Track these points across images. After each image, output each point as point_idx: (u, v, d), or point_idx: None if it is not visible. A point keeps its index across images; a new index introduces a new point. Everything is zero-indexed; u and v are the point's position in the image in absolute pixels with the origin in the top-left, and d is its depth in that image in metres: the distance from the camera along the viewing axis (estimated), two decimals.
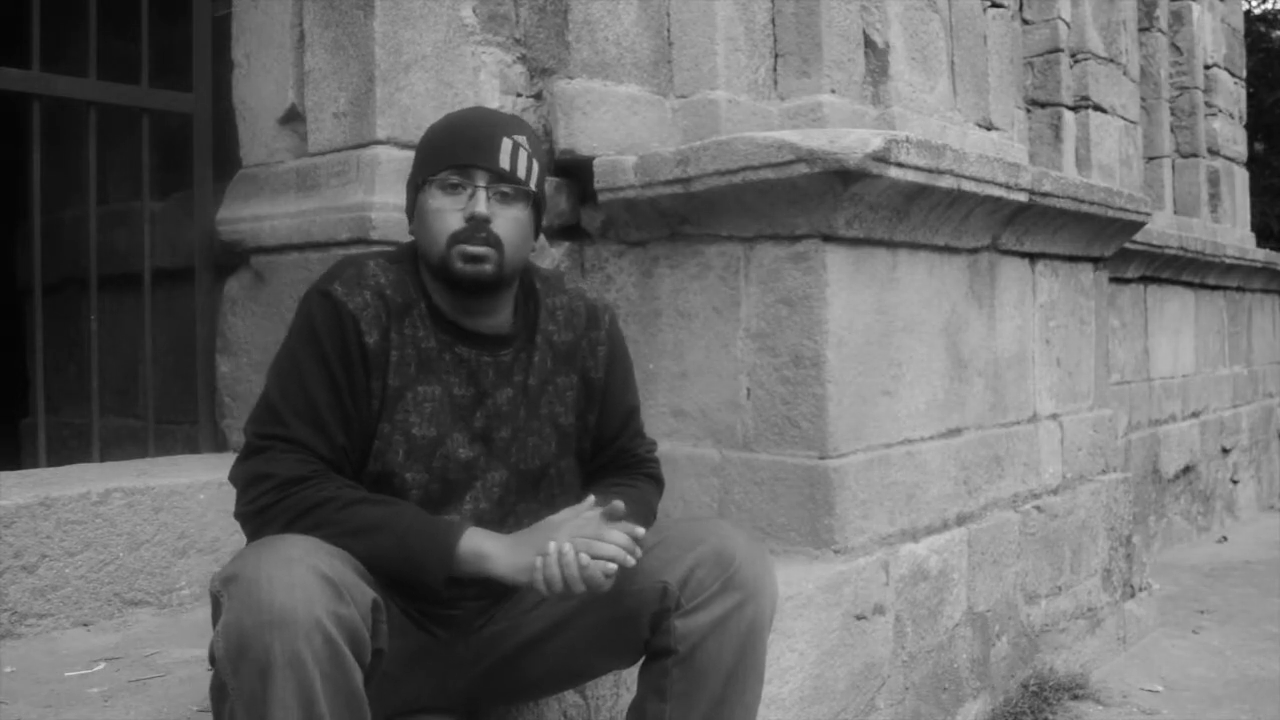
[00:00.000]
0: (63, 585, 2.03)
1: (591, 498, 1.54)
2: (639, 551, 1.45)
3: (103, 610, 2.08)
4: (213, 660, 1.27)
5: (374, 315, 1.52)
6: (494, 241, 1.52)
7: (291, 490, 1.43)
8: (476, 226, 1.51)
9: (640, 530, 1.47)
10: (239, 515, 1.48)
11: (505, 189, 1.54)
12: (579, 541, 1.43)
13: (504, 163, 1.53)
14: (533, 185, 1.57)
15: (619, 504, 1.47)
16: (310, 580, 1.24)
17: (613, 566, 1.42)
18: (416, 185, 1.58)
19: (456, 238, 1.51)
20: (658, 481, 1.78)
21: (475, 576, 1.46)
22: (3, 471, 2.21)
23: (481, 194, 1.52)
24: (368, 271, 1.55)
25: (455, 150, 1.54)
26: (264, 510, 1.43)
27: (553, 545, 1.42)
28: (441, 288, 1.58)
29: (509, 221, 1.54)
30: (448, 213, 1.52)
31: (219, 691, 1.29)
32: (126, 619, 2.10)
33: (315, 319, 1.51)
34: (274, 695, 1.21)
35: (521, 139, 1.56)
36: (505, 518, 1.61)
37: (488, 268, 1.52)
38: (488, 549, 1.45)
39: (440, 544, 1.44)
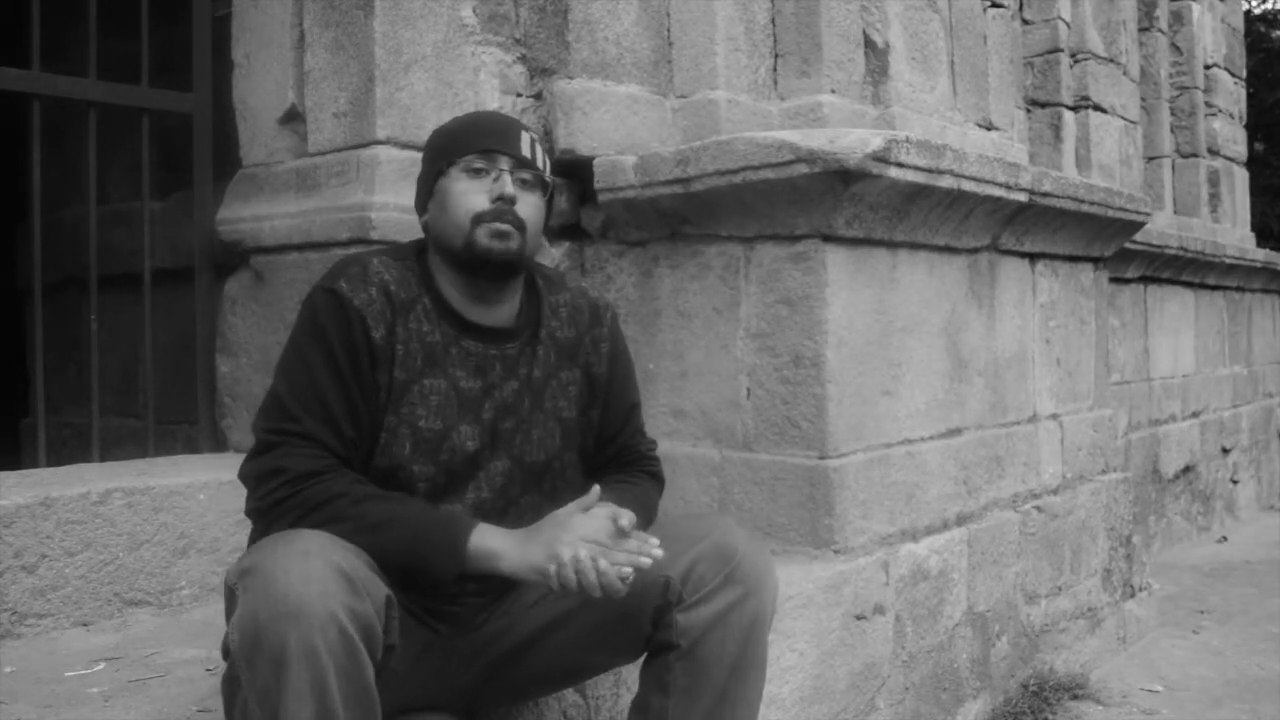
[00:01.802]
0: (63, 585, 2.02)
1: (597, 487, 1.54)
2: (658, 553, 1.45)
3: (103, 610, 2.08)
4: (226, 653, 1.27)
5: (379, 311, 1.53)
6: (518, 223, 1.56)
7: (304, 485, 1.43)
8: (503, 207, 1.56)
9: (654, 540, 1.47)
10: (250, 511, 1.48)
11: (526, 176, 1.60)
12: (593, 548, 1.43)
13: (525, 151, 1.59)
14: (548, 176, 1.65)
15: (628, 517, 1.47)
16: (327, 574, 1.25)
17: (629, 570, 1.42)
18: (436, 173, 1.61)
19: (481, 217, 1.55)
20: (658, 479, 1.79)
21: (484, 574, 1.47)
22: (3, 471, 2.21)
23: (507, 177, 1.57)
24: (372, 268, 1.56)
25: (479, 137, 1.60)
26: (278, 504, 1.43)
27: (568, 553, 1.42)
28: (456, 274, 1.60)
29: (530, 207, 1.60)
30: (472, 194, 1.57)
31: (232, 683, 1.29)
32: (126, 619, 2.10)
33: (321, 315, 1.52)
34: (288, 687, 1.21)
35: (536, 136, 1.64)
36: (507, 508, 1.62)
37: (513, 245, 1.56)
38: (497, 546, 1.46)
39: (450, 542, 1.45)
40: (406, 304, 1.57)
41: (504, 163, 1.57)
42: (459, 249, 1.56)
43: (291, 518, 1.42)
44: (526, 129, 1.63)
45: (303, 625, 1.21)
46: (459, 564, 1.45)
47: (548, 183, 1.64)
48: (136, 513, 2.13)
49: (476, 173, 1.57)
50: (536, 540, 1.46)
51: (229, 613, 1.30)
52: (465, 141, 1.59)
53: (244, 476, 1.49)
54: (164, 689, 1.72)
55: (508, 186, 1.56)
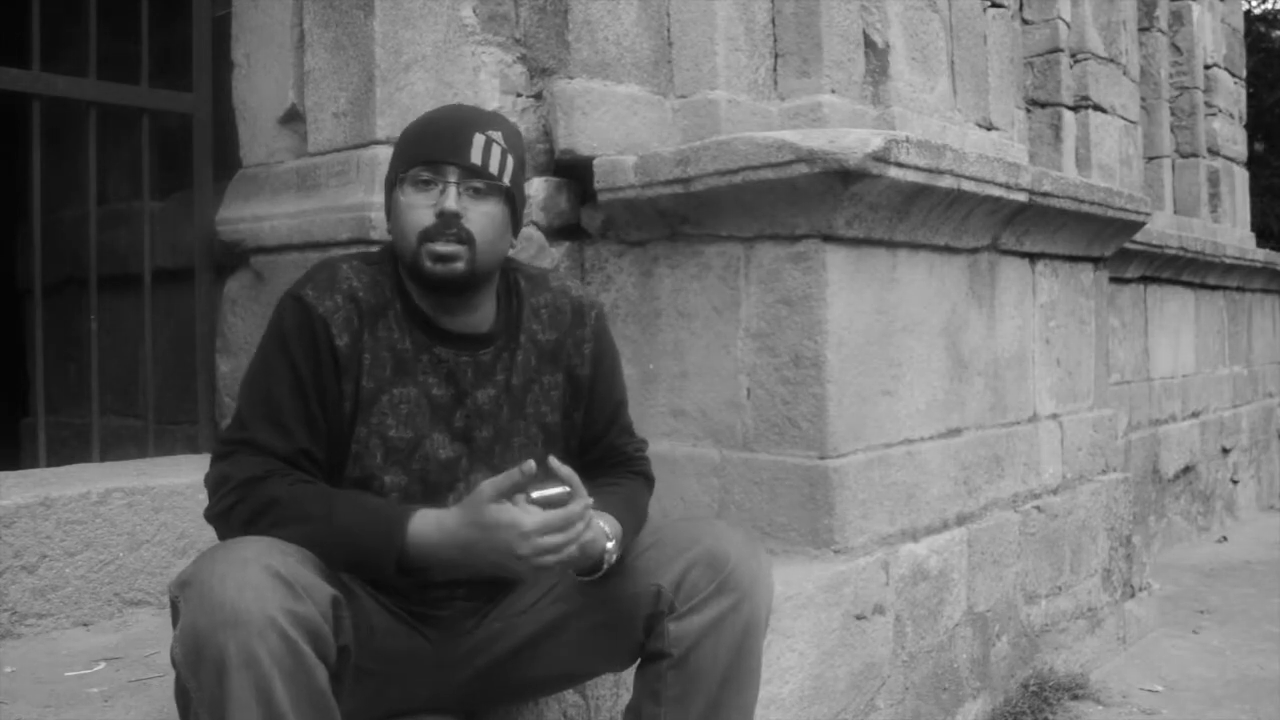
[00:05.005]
0: (63, 585, 2.03)
1: (531, 462, 1.44)
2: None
3: (103, 610, 2.08)
4: (175, 664, 1.27)
5: (345, 318, 1.51)
6: (465, 238, 1.51)
7: (249, 490, 1.43)
8: (446, 223, 1.50)
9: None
10: (207, 519, 1.49)
11: (477, 184, 1.53)
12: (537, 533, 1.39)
13: (475, 158, 1.52)
14: (506, 181, 1.55)
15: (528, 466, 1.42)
16: (263, 579, 1.24)
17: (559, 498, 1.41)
18: (391, 183, 1.58)
19: (426, 234, 1.50)
20: (647, 480, 1.76)
21: (430, 567, 1.44)
22: (3, 471, 2.21)
23: (452, 190, 1.51)
24: (341, 274, 1.54)
25: (426, 147, 1.54)
26: (227, 511, 1.44)
27: (527, 549, 1.38)
28: (417, 287, 1.57)
29: (481, 217, 1.53)
30: (419, 209, 1.52)
31: (183, 695, 1.29)
32: (126, 619, 2.10)
33: (285, 323, 1.51)
34: (232, 695, 1.21)
35: (496, 134, 1.55)
36: None
37: (459, 266, 1.51)
38: (435, 541, 1.41)
39: (385, 534, 1.41)
40: (376, 310, 1.54)
41: (451, 174, 1.51)
42: (409, 266, 1.54)
43: (239, 523, 1.42)
44: (485, 129, 1.54)
45: (241, 632, 1.20)
46: (395, 556, 1.41)
47: (505, 188, 1.54)
48: (136, 513, 2.13)
49: (424, 184, 1.52)
50: (476, 552, 1.40)
51: (174, 623, 1.29)
52: (414, 151, 1.54)
53: (205, 484, 1.50)
54: (164, 689, 1.71)
55: (450, 201, 1.50)
